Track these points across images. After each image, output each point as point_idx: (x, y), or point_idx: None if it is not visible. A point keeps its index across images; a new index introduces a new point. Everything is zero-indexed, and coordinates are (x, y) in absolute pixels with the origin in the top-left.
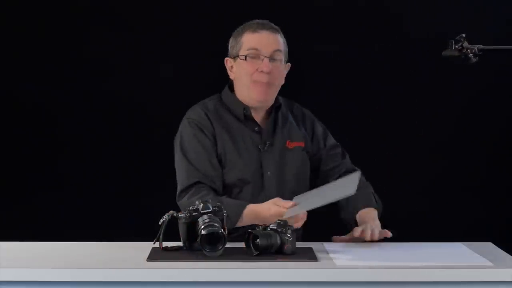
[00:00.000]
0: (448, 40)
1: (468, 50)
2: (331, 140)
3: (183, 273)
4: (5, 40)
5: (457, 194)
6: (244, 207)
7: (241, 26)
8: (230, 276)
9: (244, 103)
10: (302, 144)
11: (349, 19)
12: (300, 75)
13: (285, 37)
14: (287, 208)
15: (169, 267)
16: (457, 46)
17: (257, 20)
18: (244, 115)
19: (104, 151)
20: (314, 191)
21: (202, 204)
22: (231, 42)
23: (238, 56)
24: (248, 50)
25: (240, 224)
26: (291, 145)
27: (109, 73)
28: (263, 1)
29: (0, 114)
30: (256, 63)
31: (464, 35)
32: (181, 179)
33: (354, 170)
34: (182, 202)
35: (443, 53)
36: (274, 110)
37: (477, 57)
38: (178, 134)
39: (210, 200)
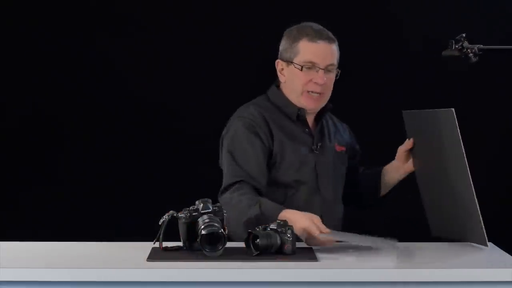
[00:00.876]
0: (448, 40)
1: (468, 50)
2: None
3: (183, 273)
4: (5, 40)
5: None
6: (280, 210)
7: (296, 29)
8: (230, 276)
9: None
10: (345, 149)
11: (349, 19)
12: None
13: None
14: (320, 233)
15: (169, 267)
16: (457, 46)
17: (313, 25)
18: (298, 115)
19: (104, 151)
20: (351, 234)
21: (202, 204)
22: (284, 44)
23: (292, 62)
24: (304, 61)
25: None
26: (339, 148)
27: (110, 73)
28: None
29: (0, 114)
30: (310, 74)
31: (464, 35)
32: (226, 176)
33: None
34: (222, 197)
35: (443, 53)
36: (324, 113)
37: (477, 57)
38: (229, 132)
39: (210, 200)
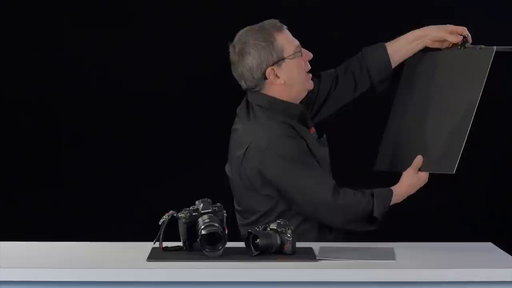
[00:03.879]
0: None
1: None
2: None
3: (183, 273)
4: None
5: (457, 194)
6: (391, 194)
7: (262, 32)
8: (230, 276)
9: (291, 101)
10: (314, 130)
11: (350, 19)
12: None
13: None
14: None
15: (169, 267)
16: (458, 47)
17: (265, 22)
18: (302, 113)
19: (104, 151)
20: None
21: (202, 204)
22: (261, 53)
23: (284, 58)
24: (294, 49)
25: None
26: (311, 131)
27: (110, 72)
28: (255, 2)
29: (0, 114)
30: (301, 57)
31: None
32: (322, 183)
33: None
34: (339, 202)
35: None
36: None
37: None
38: (279, 160)
39: (210, 200)
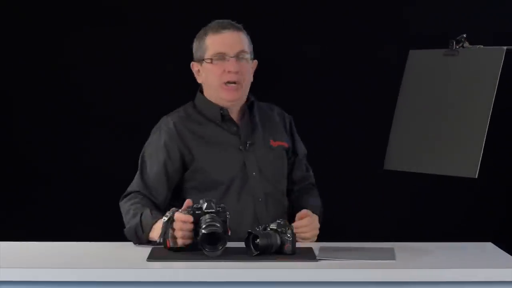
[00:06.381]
0: (449, 40)
1: None
2: (303, 149)
3: (183, 273)
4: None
5: (457, 194)
6: (156, 220)
7: (203, 29)
8: (230, 276)
9: (214, 102)
10: (286, 145)
11: (350, 19)
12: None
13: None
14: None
15: (169, 267)
16: (457, 46)
17: (218, 20)
18: (222, 115)
19: (104, 151)
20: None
21: (206, 204)
22: (195, 45)
23: (203, 59)
24: (213, 54)
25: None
26: (274, 144)
27: (108, 71)
28: (248, 2)
29: (1, 114)
30: (222, 64)
31: (465, 35)
32: (131, 184)
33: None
34: (120, 204)
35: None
36: (248, 108)
37: None
38: (147, 142)
39: (214, 200)
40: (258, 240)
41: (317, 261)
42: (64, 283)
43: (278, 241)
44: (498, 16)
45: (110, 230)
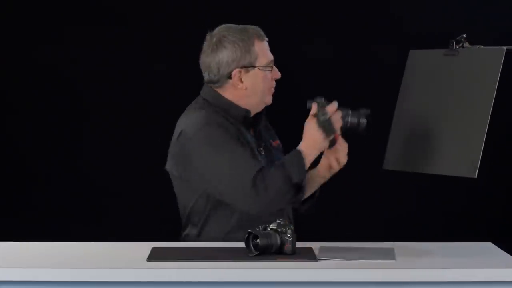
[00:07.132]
0: (449, 40)
1: None
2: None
3: (183, 273)
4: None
5: (457, 194)
6: (300, 153)
7: (240, 32)
8: (230, 276)
9: (246, 107)
10: (279, 142)
11: (350, 19)
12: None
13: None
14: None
15: (169, 267)
16: (457, 46)
17: (251, 26)
18: (245, 117)
19: (104, 151)
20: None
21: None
22: (236, 51)
23: (254, 67)
24: (268, 62)
25: (309, 163)
26: (275, 143)
27: (107, 71)
28: (255, 3)
29: (1, 114)
30: (272, 72)
31: (464, 35)
32: (238, 175)
33: None
34: (255, 190)
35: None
36: (262, 112)
37: None
38: (200, 140)
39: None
40: (258, 240)
41: (317, 261)
42: (64, 283)
43: (278, 241)
44: (498, 16)
45: (110, 230)
